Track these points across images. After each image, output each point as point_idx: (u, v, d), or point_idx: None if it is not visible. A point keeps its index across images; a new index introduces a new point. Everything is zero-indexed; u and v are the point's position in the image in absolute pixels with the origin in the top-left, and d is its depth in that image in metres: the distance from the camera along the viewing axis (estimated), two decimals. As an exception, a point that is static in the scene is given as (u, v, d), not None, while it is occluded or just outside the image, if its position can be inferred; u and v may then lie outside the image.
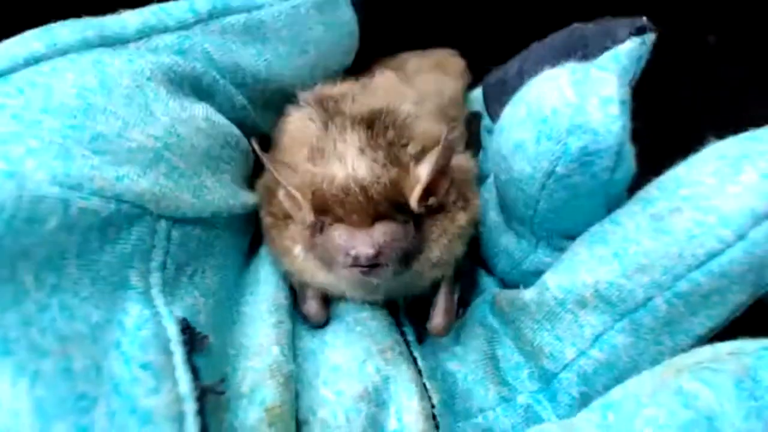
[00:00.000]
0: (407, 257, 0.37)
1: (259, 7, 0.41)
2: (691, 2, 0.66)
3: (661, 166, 0.41)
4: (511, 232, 0.43)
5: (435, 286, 0.41)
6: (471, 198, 0.41)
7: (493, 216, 0.43)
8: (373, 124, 0.39)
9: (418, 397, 0.36)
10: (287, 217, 0.39)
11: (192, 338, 0.32)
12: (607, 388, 0.35)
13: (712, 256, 0.34)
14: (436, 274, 0.40)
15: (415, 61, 0.51)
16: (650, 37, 0.39)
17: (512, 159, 0.37)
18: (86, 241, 0.30)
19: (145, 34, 0.37)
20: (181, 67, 0.37)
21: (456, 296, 0.42)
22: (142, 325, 0.31)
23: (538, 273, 0.41)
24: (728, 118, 0.64)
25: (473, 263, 0.45)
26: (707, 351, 0.33)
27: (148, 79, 0.35)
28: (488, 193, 0.44)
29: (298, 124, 0.41)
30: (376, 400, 0.36)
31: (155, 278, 0.32)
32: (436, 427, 0.36)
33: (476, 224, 0.42)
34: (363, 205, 0.36)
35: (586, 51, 0.40)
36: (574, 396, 0.38)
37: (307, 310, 0.40)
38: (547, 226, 0.39)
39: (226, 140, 0.39)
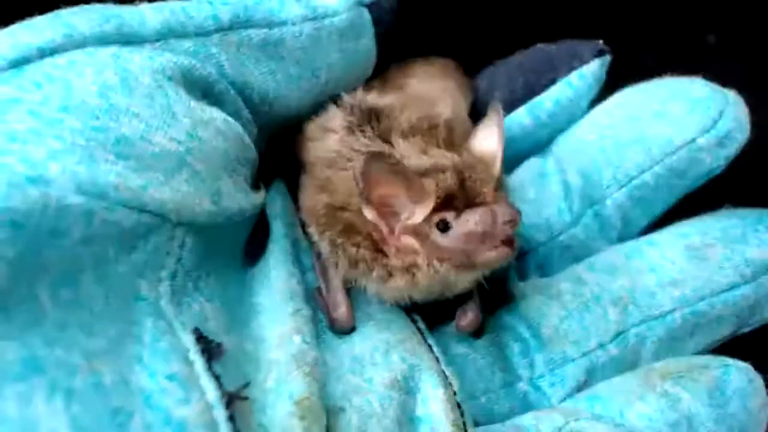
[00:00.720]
0: None
1: (281, 24, 0.39)
2: (691, 2, 0.66)
3: None
4: (557, 205, 0.46)
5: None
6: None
7: (542, 189, 0.47)
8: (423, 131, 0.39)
9: (442, 385, 0.37)
10: (377, 244, 0.37)
11: (207, 347, 0.31)
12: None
13: (732, 287, 0.41)
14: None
15: (423, 68, 0.51)
16: (607, 59, 0.46)
17: (651, 122, 0.44)
18: (103, 253, 0.29)
19: (163, 36, 0.35)
20: (197, 70, 0.35)
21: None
22: (159, 337, 0.30)
23: (569, 248, 0.46)
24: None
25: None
26: (682, 362, 0.40)
27: (169, 78, 0.34)
28: (532, 169, 0.48)
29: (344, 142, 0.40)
30: (406, 388, 0.36)
31: (164, 287, 0.31)
32: (462, 414, 0.36)
33: None
34: (483, 182, 0.36)
35: (553, 70, 0.46)
36: (573, 386, 0.41)
37: (338, 316, 0.39)
38: (638, 194, 0.45)
39: (242, 142, 0.37)
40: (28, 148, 0.27)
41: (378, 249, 0.37)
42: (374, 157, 0.34)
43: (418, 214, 0.36)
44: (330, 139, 0.40)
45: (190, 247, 0.32)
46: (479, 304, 0.41)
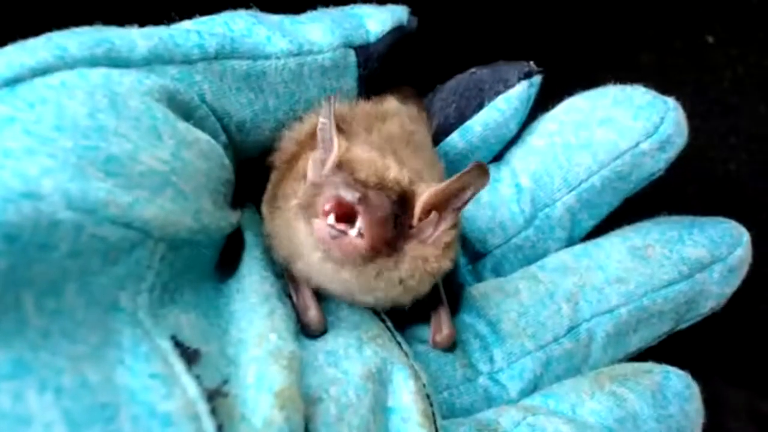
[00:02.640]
0: (385, 242, 0.35)
1: (265, 57, 0.40)
2: (691, 2, 0.66)
3: None
4: (510, 208, 0.48)
5: (427, 299, 0.41)
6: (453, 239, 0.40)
7: (495, 193, 0.49)
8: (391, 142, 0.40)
9: (412, 377, 0.38)
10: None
11: (185, 352, 0.32)
12: (556, 379, 0.44)
13: (672, 283, 0.45)
14: (409, 292, 0.39)
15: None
16: (537, 79, 0.48)
17: (597, 128, 0.46)
18: (88, 266, 0.30)
19: (149, 62, 0.36)
20: (181, 95, 0.37)
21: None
22: (138, 343, 0.31)
23: (522, 249, 0.49)
24: (728, 117, 0.65)
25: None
26: (628, 367, 0.43)
27: (156, 100, 0.35)
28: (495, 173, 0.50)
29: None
30: (379, 379, 0.37)
31: (143, 299, 0.32)
32: (431, 405, 0.38)
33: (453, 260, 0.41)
34: (378, 174, 0.35)
35: (482, 94, 0.48)
36: (530, 378, 0.44)
37: (309, 319, 0.39)
38: (586, 196, 0.47)
39: (222, 163, 0.38)
40: (23, 165, 0.28)
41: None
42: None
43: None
44: (292, 143, 0.41)
45: (169, 261, 0.33)
46: (451, 319, 0.43)
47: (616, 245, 0.47)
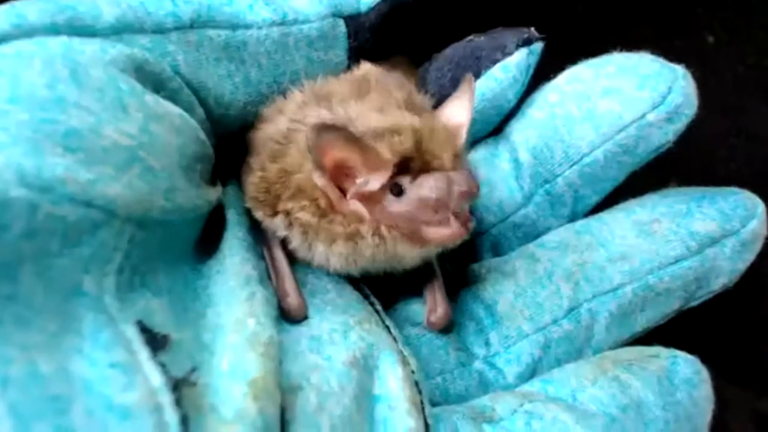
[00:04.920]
0: None
1: (246, 27, 0.38)
2: (691, 2, 0.66)
3: (661, 161, 0.43)
4: (508, 185, 0.46)
5: (419, 271, 0.41)
6: None
7: (494, 169, 0.47)
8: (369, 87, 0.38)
9: (400, 363, 0.36)
10: (323, 209, 0.36)
11: (152, 338, 0.30)
12: (556, 363, 0.42)
13: (679, 259, 0.42)
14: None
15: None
16: (538, 47, 0.45)
17: (600, 99, 0.43)
18: (45, 247, 0.28)
19: (117, 31, 0.34)
20: (150, 65, 0.34)
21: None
22: (100, 330, 0.29)
23: (521, 227, 0.47)
24: (728, 117, 0.64)
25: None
26: (633, 351, 0.41)
27: (122, 71, 0.32)
28: (484, 150, 0.48)
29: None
30: (364, 366, 0.36)
31: (109, 282, 0.30)
32: (419, 392, 0.36)
33: None
34: (442, 148, 0.35)
35: (479, 63, 0.45)
36: (528, 362, 0.42)
37: (289, 305, 0.38)
38: (589, 171, 0.44)
39: (197, 138, 0.36)
40: None
41: (323, 215, 0.36)
42: (324, 128, 0.33)
43: (374, 182, 0.34)
44: (282, 118, 0.38)
45: (139, 242, 0.31)
46: (446, 297, 0.41)
47: (619, 220, 0.44)
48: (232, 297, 0.35)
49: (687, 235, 0.42)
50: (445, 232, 0.35)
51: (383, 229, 0.36)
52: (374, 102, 0.36)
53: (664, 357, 0.40)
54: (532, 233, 0.46)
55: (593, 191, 0.45)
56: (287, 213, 0.37)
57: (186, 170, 0.34)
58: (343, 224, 0.36)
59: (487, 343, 0.42)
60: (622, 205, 0.46)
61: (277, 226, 0.38)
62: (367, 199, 0.35)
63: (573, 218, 0.46)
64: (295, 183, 0.36)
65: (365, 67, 0.41)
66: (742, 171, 0.63)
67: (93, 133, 0.29)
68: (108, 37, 0.33)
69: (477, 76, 0.45)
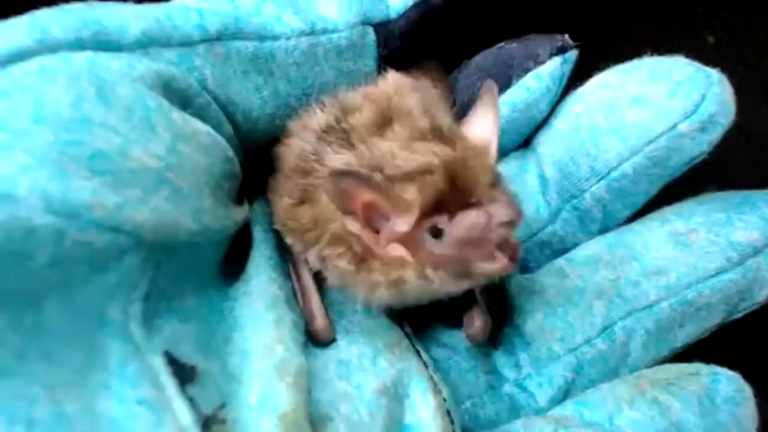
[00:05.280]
0: None
1: (274, 38, 0.36)
2: (691, 2, 0.66)
3: None
4: (534, 201, 0.44)
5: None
6: None
7: (522, 185, 0.45)
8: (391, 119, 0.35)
9: (432, 392, 0.35)
10: (361, 256, 0.34)
11: (179, 370, 0.29)
12: (590, 384, 0.40)
13: (719, 272, 0.39)
14: None
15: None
16: (572, 55, 0.43)
17: (628, 108, 0.41)
18: (71, 275, 0.26)
19: (143, 45, 0.32)
20: (178, 81, 0.33)
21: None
22: (127, 362, 0.28)
23: (549, 244, 0.44)
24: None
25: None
26: (672, 369, 0.39)
27: (149, 87, 0.31)
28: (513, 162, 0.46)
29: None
30: (395, 394, 0.35)
31: (135, 309, 0.29)
32: (451, 422, 0.35)
33: None
34: (476, 179, 0.32)
35: (510, 71, 0.43)
36: (561, 384, 0.40)
37: (316, 327, 0.36)
38: (617, 186, 0.42)
39: (225, 156, 0.34)
40: None
41: (362, 261, 0.34)
42: (342, 174, 0.31)
43: (402, 224, 0.32)
44: (306, 141, 0.36)
45: (165, 266, 0.30)
46: (485, 309, 0.39)
47: (654, 231, 0.42)
48: (259, 321, 0.34)
49: (727, 246, 0.40)
50: (493, 267, 0.33)
51: (429, 272, 0.33)
52: (399, 135, 0.34)
53: (704, 375, 0.38)
54: (561, 250, 0.44)
55: (623, 206, 0.43)
56: (323, 258, 0.36)
57: (214, 190, 0.33)
58: (384, 272, 0.34)
59: (518, 366, 0.40)
60: (656, 214, 0.43)
61: (311, 260, 0.36)
62: (408, 242, 0.33)
63: (604, 232, 0.44)
64: (330, 231, 0.35)
65: (390, 80, 0.39)
66: (742, 171, 0.63)
67: (120, 155, 0.28)
68: (134, 51, 0.32)
69: (508, 84, 0.44)
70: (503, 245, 0.32)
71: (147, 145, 0.29)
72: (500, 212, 0.32)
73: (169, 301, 0.31)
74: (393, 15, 0.41)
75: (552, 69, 0.43)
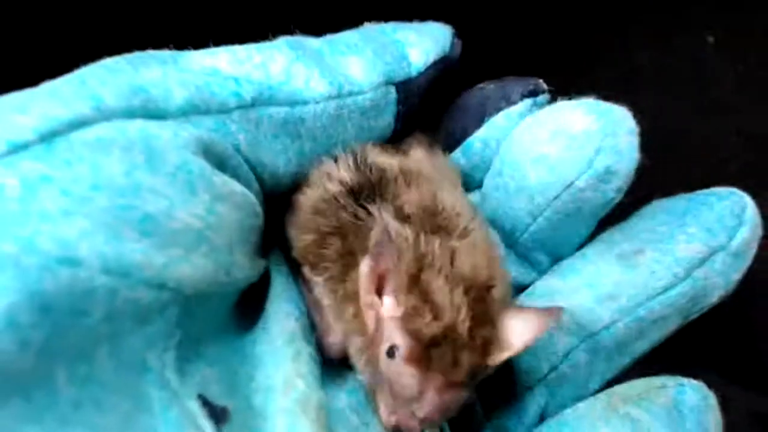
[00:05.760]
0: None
1: (304, 103, 0.38)
2: (691, 2, 0.66)
3: (662, 162, 0.43)
4: None
5: None
6: None
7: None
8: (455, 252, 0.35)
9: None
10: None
11: (213, 412, 0.31)
12: (563, 401, 0.41)
13: (668, 288, 0.41)
14: None
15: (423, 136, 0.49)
16: (544, 98, 0.46)
17: (531, 168, 0.41)
18: (119, 329, 0.29)
19: (186, 113, 0.34)
20: (216, 146, 0.35)
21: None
22: (168, 407, 0.30)
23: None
24: (728, 117, 0.64)
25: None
26: (641, 384, 0.40)
27: (193, 153, 0.33)
28: None
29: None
30: None
31: (170, 357, 0.31)
32: None
33: None
34: (456, 363, 0.33)
35: (484, 110, 0.46)
36: (536, 410, 0.42)
37: (331, 342, 0.38)
38: (538, 237, 0.43)
39: (254, 212, 0.36)
40: (60, 228, 0.27)
41: (346, 298, 0.36)
42: (388, 237, 0.33)
43: (389, 307, 0.34)
44: (329, 188, 0.38)
45: (196, 314, 0.32)
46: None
47: (603, 256, 0.43)
48: (278, 356, 0.35)
49: (673, 263, 0.41)
50: (386, 419, 0.35)
51: (364, 357, 0.36)
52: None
53: (671, 387, 0.39)
54: (521, 288, 0.45)
55: (559, 248, 0.44)
56: (324, 284, 0.37)
57: (243, 244, 0.35)
58: (353, 319, 0.36)
59: (491, 404, 0.41)
60: (606, 235, 0.45)
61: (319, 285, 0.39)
62: (375, 323, 0.35)
63: (559, 260, 0.45)
64: (352, 311, 0.36)
65: (415, 157, 0.41)
66: (742, 171, 0.63)
67: (166, 217, 0.30)
68: (177, 118, 0.34)
69: (480, 122, 0.46)
70: (408, 421, 0.34)
71: (189, 207, 0.31)
72: (424, 409, 0.33)
73: (197, 346, 0.33)
74: (414, 73, 0.43)
75: (521, 110, 0.45)
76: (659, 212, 0.44)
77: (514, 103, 0.45)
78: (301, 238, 0.38)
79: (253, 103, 0.36)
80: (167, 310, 0.30)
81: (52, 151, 0.29)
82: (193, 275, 0.31)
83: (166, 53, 0.37)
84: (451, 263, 0.34)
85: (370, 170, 0.38)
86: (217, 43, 0.38)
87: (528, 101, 0.45)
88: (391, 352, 0.33)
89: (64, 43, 0.34)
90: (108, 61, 0.34)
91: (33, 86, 0.32)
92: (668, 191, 0.46)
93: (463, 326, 0.33)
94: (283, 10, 0.41)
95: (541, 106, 0.45)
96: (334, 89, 0.39)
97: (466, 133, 0.46)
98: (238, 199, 0.35)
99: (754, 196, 0.45)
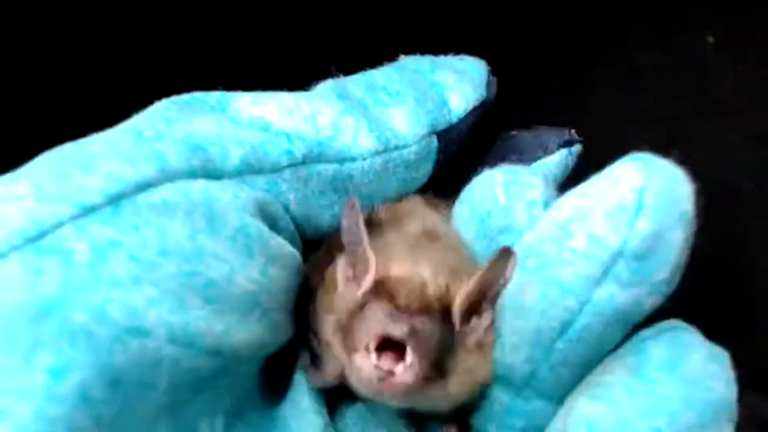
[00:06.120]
0: (434, 367, 0.32)
1: (352, 160, 0.37)
2: (691, 2, 0.66)
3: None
4: None
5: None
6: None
7: None
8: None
9: None
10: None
11: None
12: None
13: (567, 325, 0.33)
14: (454, 402, 0.36)
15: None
16: (576, 148, 0.46)
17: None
18: (179, 398, 0.28)
19: (241, 173, 0.34)
20: (269, 207, 0.34)
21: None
22: None
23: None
24: (728, 117, 0.65)
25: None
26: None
27: (252, 215, 0.33)
28: None
29: None
30: None
31: (219, 424, 0.31)
32: None
33: None
34: (419, 294, 0.32)
35: (520, 158, 0.45)
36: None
37: (322, 376, 0.37)
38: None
39: (298, 270, 0.36)
40: (129, 296, 0.26)
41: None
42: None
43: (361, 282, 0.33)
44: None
45: (242, 378, 0.32)
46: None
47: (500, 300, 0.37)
48: (304, 420, 0.35)
49: (558, 295, 0.34)
50: (363, 366, 0.31)
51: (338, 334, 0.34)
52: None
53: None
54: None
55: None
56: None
57: (287, 305, 0.35)
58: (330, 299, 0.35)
59: None
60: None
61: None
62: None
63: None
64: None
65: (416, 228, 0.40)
66: (742, 171, 0.63)
67: (228, 282, 0.30)
68: (233, 178, 0.33)
69: None
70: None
71: (246, 271, 0.31)
72: (382, 318, 0.31)
73: (239, 410, 0.33)
74: (455, 120, 0.43)
75: (559, 160, 0.45)
76: (551, 224, 0.36)
77: (552, 152, 0.46)
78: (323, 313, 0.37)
79: (304, 161, 0.36)
80: (220, 377, 0.30)
81: (119, 216, 0.28)
82: (247, 340, 0.30)
83: (212, 96, 0.36)
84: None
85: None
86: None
87: (564, 151, 0.46)
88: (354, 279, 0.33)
89: (77, 53, 0.33)
90: (159, 108, 0.34)
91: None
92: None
93: (427, 272, 0.33)
94: (299, 24, 0.41)
95: (574, 155, 0.46)
96: (381, 144, 0.38)
97: None
98: (288, 261, 0.34)
99: (755, 196, 0.45)
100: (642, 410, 0.31)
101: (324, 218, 0.38)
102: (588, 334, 0.33)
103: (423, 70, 0.43)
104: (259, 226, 0.32)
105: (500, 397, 0.36)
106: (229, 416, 0.32)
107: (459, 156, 0.45)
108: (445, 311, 0.33)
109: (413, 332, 0.31)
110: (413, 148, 0.40)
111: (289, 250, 0.35)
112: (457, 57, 0.47)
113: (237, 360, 0.30)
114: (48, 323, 0.24)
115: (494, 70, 0.49)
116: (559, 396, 0.36)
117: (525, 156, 0.46)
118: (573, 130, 0.47)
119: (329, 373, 0.37)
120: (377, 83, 0.41)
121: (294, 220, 0.37)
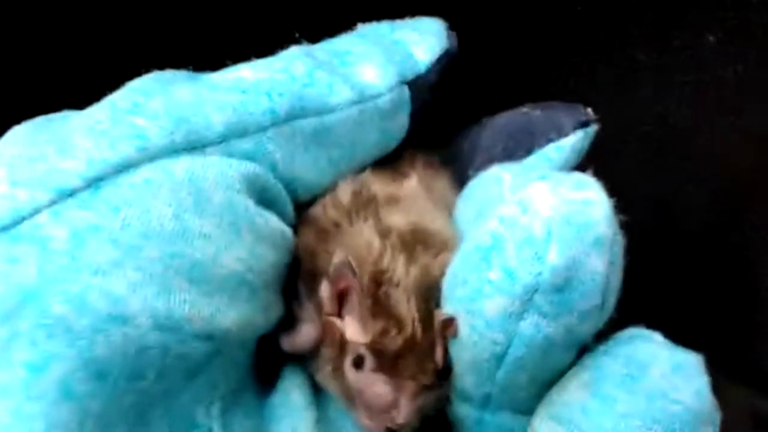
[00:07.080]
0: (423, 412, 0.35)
1: (330, 111, 0.37)
2: (691, 2, 0.66)
3: (662, 162, 0.43)
4: None
5: None
6: None
7: None
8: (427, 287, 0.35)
9: None
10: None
11: None
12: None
13: (500, 357, 0.31)
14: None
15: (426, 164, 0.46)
16: (593, 129, 0.43)
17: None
18: (171, 387, 0.28)
19: (225, 138, 0.33)
20: (259, 178, 0.34)
21: None
22: None
23: None
24: (728, 117, 0.65)
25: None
26: None
27: (238, 191, 0.32)
28: None
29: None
30: None
31: (216, 410, 0.30)
32: None
33: None
34: (420, 363, 0.33)
35: (532, 138, 0.43)
36: None
37: (300, 337, 0.36)
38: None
39: (288, 248, 0.35)
40: (110, 282, 0.25)
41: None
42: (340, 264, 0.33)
43: (354, 331, 0.34)
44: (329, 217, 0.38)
45: (236, 363, 0.31)
46: None
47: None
48: (295, 413, 0.35)
49: (485, 328, 0.31)
50: (363, 422, 0.34)
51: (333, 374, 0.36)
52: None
53: None
54: None
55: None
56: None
57: (276, 284, 0.34)
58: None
59: None
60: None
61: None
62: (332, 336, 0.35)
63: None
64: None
65: (409, 186, 0.41)
66: (742, 171, 0.63)
67: (214, 263, 0.29)
68: (217, 145, 0.32)
69: (529, 152, 0.43)
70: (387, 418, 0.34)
71: (233, 250, 0.30)
72: (402, 415, 0.33)
73: (235, 396, 0.32)
74: (423, 69, 0.42)
75: (574, 143, 0.43)
76: (472, 250, 0.32)
77: (566, 134, 0.43)
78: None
79: (287, 118, 0.35)
80: (213, 362, 0.29)
81: (99, 198, 0.27)
82: (238, 322, 0.30)
83: (183, 72, 0.36)
84: (407, 273, 0.34)
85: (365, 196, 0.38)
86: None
87: (580, 133, 0.43)
88: (358, 363, 0.34)
89: (66, 45, 0.33)
90: (135, 83, 0.33)
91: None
92: (668, 191, 0.46)
93: (419, 332, 0.33)
94: (269, 10, 0.41)
95: (590, 137, 0.43)
96: (356, 95, 0.38)
97: (510, 159, 0.44)
98: (277, 238, 0.34)
99: (755, 196, 0.44)
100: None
101: (312, 175, 0.37)
102: (527, 362, 0.31)
103: (383, 32, 0.43)
104: (246, 203, 0.32)
105: (468, 412, 0.36)
106: (225, 402, 0.31)
107: (433, 111, 0.44)
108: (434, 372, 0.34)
109: (410, 398, 0.33)
110: (387, 97, 0.40)
111: (278, 227, 0.34)
112: (413, 18, 0.46)
113: (228, 343, 0.30)
114: (24, 315, 0.24)
115: (494, 70, 0.49)
116: (524, 409, 0.34)
117: (537, 138, 0.43)
118: (589, 109, 0.44)
119: (303, 340, 0.36)
120: (341, 48, 0.41)
121: (283, 182, 0.36)
